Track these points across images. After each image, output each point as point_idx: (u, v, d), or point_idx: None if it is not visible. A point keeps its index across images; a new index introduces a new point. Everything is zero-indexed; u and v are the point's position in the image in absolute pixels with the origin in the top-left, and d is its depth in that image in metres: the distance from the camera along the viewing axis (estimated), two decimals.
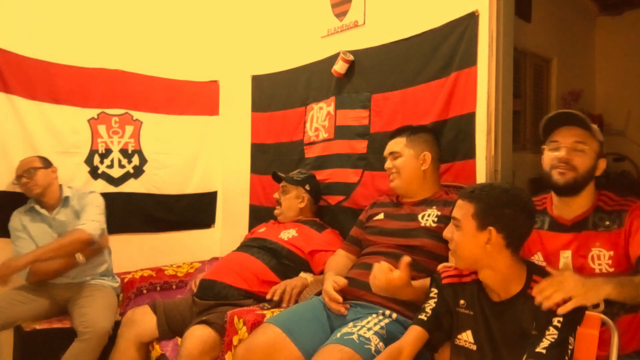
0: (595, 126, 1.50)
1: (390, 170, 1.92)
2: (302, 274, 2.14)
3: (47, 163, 2.47)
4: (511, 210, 1.29)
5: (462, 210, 1.33)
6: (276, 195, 2.49)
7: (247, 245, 2.32)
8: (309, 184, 2.45)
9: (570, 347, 1.19)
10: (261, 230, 2.45)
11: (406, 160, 1.88)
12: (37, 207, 2.40)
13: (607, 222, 1.45)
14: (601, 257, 1.42)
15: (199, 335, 1.92)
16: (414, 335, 1.39)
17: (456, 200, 1.76)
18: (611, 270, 1.41)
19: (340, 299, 1.69)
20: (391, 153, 1.92)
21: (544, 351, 1.17)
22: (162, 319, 2.12)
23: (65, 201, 2.44)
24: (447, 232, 1.38)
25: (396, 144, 1.92)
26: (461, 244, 1.33)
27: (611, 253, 1.42)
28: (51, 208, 2.42)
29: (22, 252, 2.28)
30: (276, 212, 2.47)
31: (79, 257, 2.35)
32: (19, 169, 2.41)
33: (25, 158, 2.46)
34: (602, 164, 1.50)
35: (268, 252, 2.21)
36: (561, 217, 1.53)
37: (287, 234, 2.28)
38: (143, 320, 2.11)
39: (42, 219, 2.41)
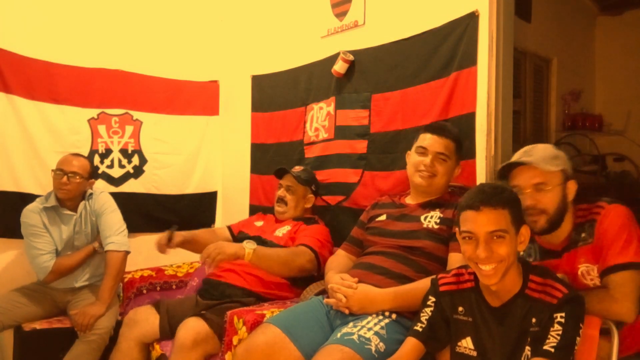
0: (559, 153, 1.44)
1: (429, 169, 1.81)
2: (245, 243, 1.99)
3: (92, 175, 2.42)
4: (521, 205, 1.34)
5: (503, 219, 1.24)
6: (281, 194, 2.38)
7: None
8: (314, 184, 2.44)
9: (575, 347, 1.20)
10: (259, 223, 2.45)
11: (448, 168, 1.84)
12: (61, 209, 2.36)
13: (583, 234, 1.42)
14: (590, 272, 1.40)
15: (191, 326, 1.91)
16: (410, 346, 1.38)
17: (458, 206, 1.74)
18: None
19: (353, 284, 1.66)
20: (439, 153, 1.82)
21: (552, 350, 1.17)
22: (165, 319, 2.10)
23: (89, 197, 2.42)
24: (485, 251, 1.23)
25: (446, 147, 1.83)
26: (511, 255, 1.24)
27: (597, 266, 1.39)
28: (73, 209, 2.40)
29: (40, 250, 2.28)
30: (280, 209, 2.37)
31: (96, 245, 2.41)
32: (66, 163, 2.32)
33: (79, 156, 2.40)
34: (572, 186, 1.44)
35: None
36: (549, 244, 1.49)
37: (282, 231, 2.29)
38: (146, 321, 2.11)
39: (62, 219, 2.38)
